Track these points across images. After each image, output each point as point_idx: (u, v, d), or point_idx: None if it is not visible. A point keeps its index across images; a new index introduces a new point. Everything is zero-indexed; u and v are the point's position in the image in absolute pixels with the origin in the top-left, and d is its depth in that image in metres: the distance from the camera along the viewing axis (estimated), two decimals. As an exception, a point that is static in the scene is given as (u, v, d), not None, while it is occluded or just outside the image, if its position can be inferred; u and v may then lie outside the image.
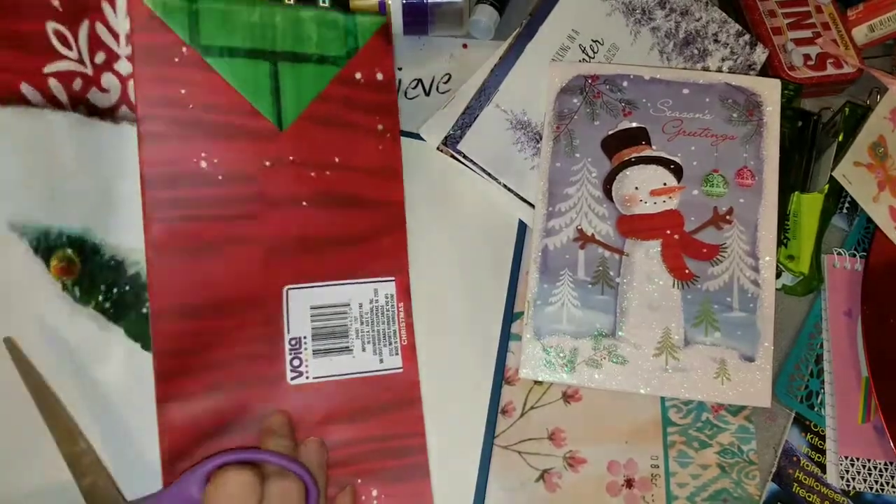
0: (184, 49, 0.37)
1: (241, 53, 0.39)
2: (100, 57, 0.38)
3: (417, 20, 0.49)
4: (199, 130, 0.38)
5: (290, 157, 0.40)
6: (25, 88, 0.37)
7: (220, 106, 0.38)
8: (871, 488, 0.44)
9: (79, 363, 0.39)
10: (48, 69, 0.38)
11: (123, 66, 0.39)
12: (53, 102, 0.38)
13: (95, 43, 0.38)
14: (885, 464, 0.44)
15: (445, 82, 0.51)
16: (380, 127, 0.42)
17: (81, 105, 0.39)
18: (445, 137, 0.47)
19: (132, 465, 0.39)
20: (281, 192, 0.40)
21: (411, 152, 0.48)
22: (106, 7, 0.38)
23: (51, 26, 0.38)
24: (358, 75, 0.41)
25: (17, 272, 0.38)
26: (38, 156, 0.37)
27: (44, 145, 0.37)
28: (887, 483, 0.44)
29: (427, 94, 0.51)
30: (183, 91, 0.37)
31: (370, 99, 0.42)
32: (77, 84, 0.38)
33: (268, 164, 0.39)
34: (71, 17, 0.38)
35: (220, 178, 0.38)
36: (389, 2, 0.48)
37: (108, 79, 0.39)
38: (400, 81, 0.51)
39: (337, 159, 0.41)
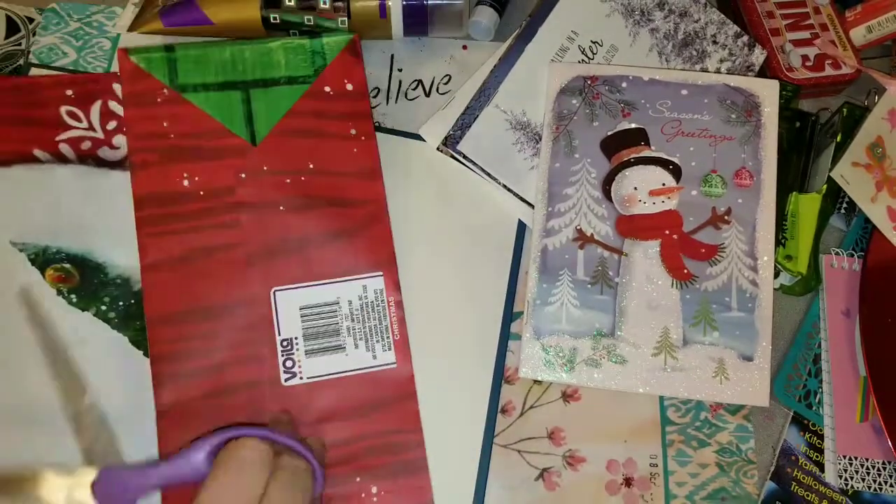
0: (164, 90, 0.44)
1: (215, 87, 0.44)
2: (111, 125, 0.46)
3: (417, 21, 0.50)
4: (180, 155, 0.43)
5: (264, 167, 0.44)
6: (38, 152, 0.45)
7: (196, 132, 0.44)
8: (870, 487, 0.44)
9: (76, 363, 0.41)
10: (59, 137, 0.45)
11: None
12: (61, 160, 0.45)
13: (107, 115, 0.46)
14: (884, 463, 0.44)
15: (445, 83, 0.52)
16: (353, 131, 0.45)
17: (90, 159, 0.45)
18: (445, 138, 0.48)
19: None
20: (258, 200, 0.43)
21: (411, 152, 0.49)
22: (117, 87, 0.46)
23: (64, 109, 0.46)
24: (327, 88, 0.45)
25: (12, 278, 0.43)
26: (41, 196, 0.44)
27: (48, 190, 0.44)
28: (885, 482, 0.44)
29: (427, 94, 0.51)
30: (165, 124, 0.43)
31: (341, 108, 0.45)
32: (85, 145, 0.45)
33: (243, 175, 0.43)
34: (83, 102, 0.46)
35: (201, 193, 0.43)
36: (390, 3, 0.48)
37: (119, 139, 0.46)
38: (400, 82, 0.51)
39: (311, 165, 0.44)
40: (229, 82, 0.45)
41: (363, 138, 0.45)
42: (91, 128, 0.45)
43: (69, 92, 0.46)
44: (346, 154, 0.45)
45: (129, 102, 0.44)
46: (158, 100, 0.44)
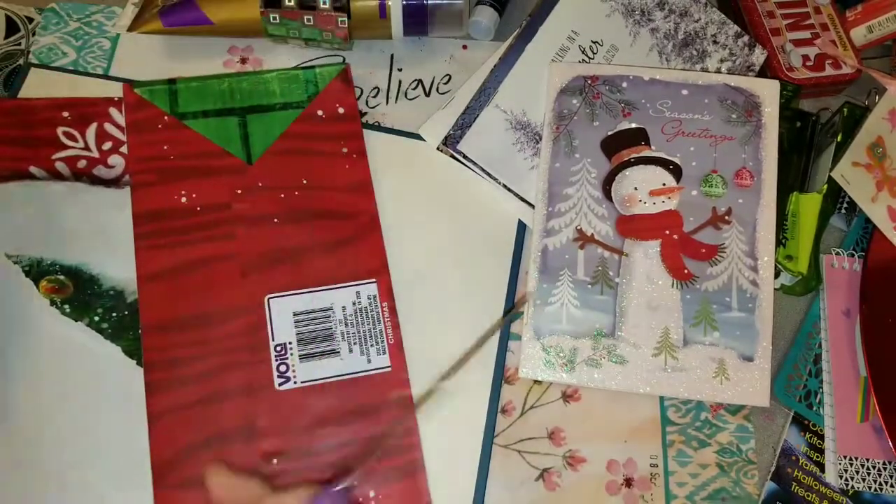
0: (165, 118, 0.46)
1: (213, 114, 0.47)
2: (107, 145, 0.47)
3: (418, 21, 0.50)
4: (179, 175, 0.45)
5: (259, 184, 0.46)
6: (33, 169, 0.45)
7: (195, 154, 0.46)
8: (870, 487, 0.44)
9: (69, 371, 0.41)
10: (55, 157, 0.46)
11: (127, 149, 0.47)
12: (56, 177, 0.45)
13: (102, 136, 0.47)
14: (884, 463, 0.44)
15: (445, 83, 0.52)
16: (344, 150, 0.47)
17: (84, 177, 0.46)
18: (445, 137, 0.48)
19: (123, 474, 0.39)
20: (253, 213, 0.45)
21: (411, 152, 0.49)
22: (113, 111, 0.47)
23: (61, 130, 0.46)
24: (320, 112, 0.48)
25: (7, 289, 0.42)
26: (36, 210, 0.44)
27: (43, 204, 0.44)
28: (886, 482, 0.44)
29: (427, 94, 0.51)
30: (165, 147, 0.46)
31: (333, 129, 0.48)
32: (81, 164, 0.46)
33: (239, 192, 0.45)
34: (79, 123, 0.47)
35: (198, 209, 0.44)
36: (390, 3, 0.48)
37: (114, 159, 0.46)
38: (400, 82, 0.51)
39: (304, 181, 0.46)
40: (227, 109, 0.47)
41: (354, 156, 0.47)
42: (87, 148, 0.46)
43: (66, 114, 0.47)
44: (338, 170, 0.46)
45: (131, 129, 0.46)
46: (159, 126, 0.46)
